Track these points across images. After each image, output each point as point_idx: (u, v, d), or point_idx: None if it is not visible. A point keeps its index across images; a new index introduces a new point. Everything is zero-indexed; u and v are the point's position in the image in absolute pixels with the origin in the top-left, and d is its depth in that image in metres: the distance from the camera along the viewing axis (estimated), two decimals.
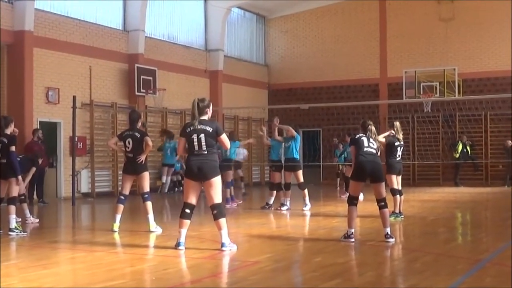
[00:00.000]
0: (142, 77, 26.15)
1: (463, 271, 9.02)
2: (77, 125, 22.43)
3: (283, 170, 19.02)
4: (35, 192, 21.11)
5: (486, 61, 31.45)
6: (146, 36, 27.15)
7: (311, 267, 9.46)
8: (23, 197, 15.42)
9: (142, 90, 26.11)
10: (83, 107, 24.26)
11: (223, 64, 31.63)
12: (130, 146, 13.47)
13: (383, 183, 12.01)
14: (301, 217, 16.90)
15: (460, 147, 30.10)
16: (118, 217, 13.49)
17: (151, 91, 26.41)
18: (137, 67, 26.03)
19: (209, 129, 10.63)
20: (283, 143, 18.87)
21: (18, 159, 13.96)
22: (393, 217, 14.75)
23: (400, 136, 15.65)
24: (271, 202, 18.81)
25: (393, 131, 15.70)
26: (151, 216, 13.40)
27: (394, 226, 13.59)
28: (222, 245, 10.54)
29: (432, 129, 30.56)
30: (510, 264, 9.52)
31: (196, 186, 10.67)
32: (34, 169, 15.71)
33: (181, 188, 24.82)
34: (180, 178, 26.03)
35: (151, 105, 27.03)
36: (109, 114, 25.52)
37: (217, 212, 10.56)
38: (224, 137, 10.81)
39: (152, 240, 12.50)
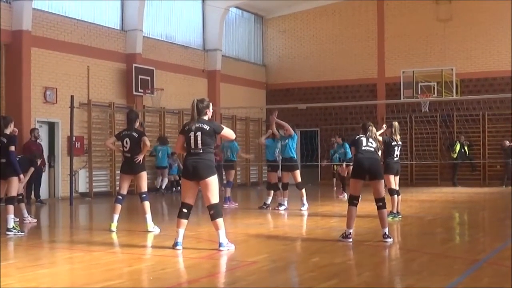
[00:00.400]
0: (140, 77, 26.16)
1: (460, 271, 9.03)
2: (75, 125, 22.42)
3: (279, 170, 19.02)
4: (32, 192, 21.12)
5: (484, 61, 31.48)
6: (144, 36, 27.15)
7: (309, 267, 9.47)
8: (20, 197, 15.41)
9: (140, 90, 26.12)
10: (81, 107, 24.25)
11: (221, 64, 31.64)
12: (128, 146, 13.47)
13: (382, 181, 12.03)
14: (299, 217, 16.90)
15: (458, 147, 30.12)
16: (116, 216, 13.49)
17: (149, 91, 26.42)
18: (135, 67, 26.03)
19: (207, 127, 10.65)
20: (279, 142, 18.85)
21: (17, 159, 13.96)
22: (391, 217, 14.76)
23: (398, 137, 15.66)
24: (268, 202, 18.82)
25: (385, 125, 15.83)
26: (149, 216, 13.41)
27: (392, 226, 13.60)
28: (220, 245, 10.54)
29: (430, 129, 30.59)
30: (507, 264, 9.53)
31: (193, 186, 10.67)
32: (32, 169, 15.71)
33: (179, 188, 24.87)
34: (178, 178, 26.05)
35: (149, 105, 27.03)
36: (107, 114, 25.52)
37: (214, 212, 10.56)
38: (224, 132, 10.84)
39: (149, 240, 12.50)
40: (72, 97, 21.96)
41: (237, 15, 34.53)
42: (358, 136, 12.33)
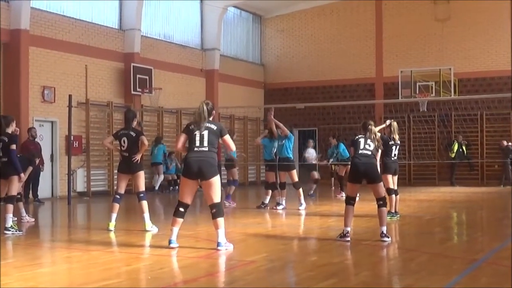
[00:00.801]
0: (138, 76, 26.15)
1: (458, 271, 9.03)
2: (73, 124, 22.44)
3: (277, 170, 19.02)
4: (30, 191, 21.11)
5: (482, 61, 31.50)
6: (142, 35, 27.14)
7: (307, 267, 9.47)
8: (19, 196, 15.39)
9: (138, 89, 26.11)
10: (79, 106, 24.24)
11: (219, 63, 31.64)
12: (126, 145, 13.47)
13: (380, 183, 12.03)
14: (297, 217, 16.90)
15: (455, 146, 30.12)
16: (114, 216, 13.49)
17: (147, 90, 26.41)
18: (133, 66, 26.02)
19: (214, 127, 10.70)
20: (276, 142, 18.86)
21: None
22: (389, 217, 14.74)
23: (397, 137, 15.65)
24: (266, 201, 18.83)
25: (388, 121, 15.82)
26: (146, 215, 13.40)
27: (390, 226, 13.59)
28: (218, 244, 10.53)
29: (428, 129, 30.59)
30: (506, 263, 9.53)
31: (193, 185, 10.67)
32: (30, 168, 15.70)
33: (177, 187, 24.87)
34: (176, 177, 26.06)
35: (147, 104, 27.02)
36: (105, 113, 25.50)
37: (216, 211, 10.55)
38: (228, 138, 10.83)
39: (147, 239, 12.49)
40: (70, 96, 21.96)
41: (235, 14, 34.53)
42: (357, 137, 12.32)
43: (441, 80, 27.67)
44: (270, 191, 18.95)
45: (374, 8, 33.65)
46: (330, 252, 10.73)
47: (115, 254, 11.08)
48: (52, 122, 23.46)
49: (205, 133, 10.58)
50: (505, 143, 29.02)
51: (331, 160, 25.00)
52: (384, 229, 11.69)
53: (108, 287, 8.09)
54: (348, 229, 11.68)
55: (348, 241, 11.54)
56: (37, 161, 17.67)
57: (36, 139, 21.06)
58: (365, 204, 16.70)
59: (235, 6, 33.79)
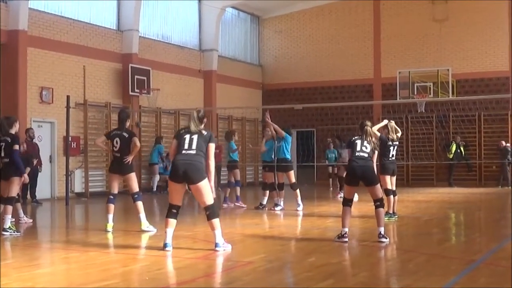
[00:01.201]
0: (136, 77, 26.14)
1: (456, 272, 9.03)
2: (71, 125, 22.42)
3: (275, 170, 19.02)
4: (28, 192, 21.10)
5: (480, 62, 31.51)
6: (140, 36, 27.14)
7: (305, 268, 9.47)
8: (17, 197, 15.39)
9: (136, 90, 26.10)
10: (77, 107, 24.23)
11: (217, 64, 31.63)
12: (118, 145, 13.45)
13: (377, 185, 12.01)
14: (295, 217, 16.90)
15: (453, 147, 30.15)
16: (110, 216, 13.50)
17: (145, 91, 26.41)
18: (131, 67, 26.01)
19: (204, 132, 10.70)
20: (275, 143, 18.90)
21: None
22: (387, 218, 14.73)
23: (395, 136, 15.65)
24: (264, 202, 18.83)
25: (386, 120, 15.83)
26: (142, 215, 13.42)
27: (388, 227, 13.59)
28: (216, 245, 10.53)
29: (426, 130, 30.57)
30: (504, 264, 9.54)
31: (180, 188, 10.63)
32: (28, 169, 15.70)
33: None
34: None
35: (145, 105, 27.02)
36: (103, 114, 25.50)
37: (210, 212, 10.55)
38: (212, 147, 10.70)
39: (145, 240, 12.49)
40: (68, 97, 21.95)
41: (233, 15, 34.53)
42: (353, 138, 12.33)
43: (439, 81, 27.65)
44: (267, 192, 18.95)
45: (372, 8, 33.66)
46: (328, 253, 10.73)
47: (113, 255, 11.08)
48: (50, 123, 23.44)
49: (195, 137, 10.60)
50: (503, 143, 29.03)
51: (329, 160, 25.04)
52: (382, 230, 11.69)
53: (106, 287, 8.09)
54: (346, 230, 11.68)
55: (346, 242, 11.54)
56: (35, 162, 17.67)
57: (34, 140, 21.03)
58: (362, 205, 16.71)
59: (233, 7, 33.80)
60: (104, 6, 26.34)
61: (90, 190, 24.64)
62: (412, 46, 32.59)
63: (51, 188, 23.47)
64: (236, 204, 19.57)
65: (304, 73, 34.52)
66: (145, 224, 13.36)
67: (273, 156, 19.04)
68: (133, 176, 13.63)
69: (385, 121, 15.90)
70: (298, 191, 18.48)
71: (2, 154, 13.36)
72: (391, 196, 15.51)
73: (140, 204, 13.45)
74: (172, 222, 10.70)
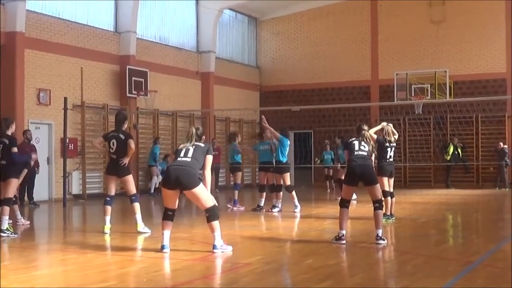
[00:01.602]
0: (133, 78, 26.13)
1: (454, 273, 9.04)
2: (69, 127, 22.41)
3: (269, 172, 19.01)
4: (25, 194, 21.09)
5: (477, 63, 31.53)
6: (137, 38, 27.13)
7: (302, 269, 9.46)
8: (14, 199, 15.38)
9: (133, 92, 26.10)
10: (75, 109, 24.23)
11: (214, 65, 31.64)
12: (114, 147, 13.48)
13: (377, 185, 12.00)
14: (292, 219, 16.90)
15: (451, 149, 30.17)
16: (108, 218, 13.52)
17: (142, 93, 26.40)
18: (128, 68, 26.00)
19: (203, 145, 10.82)
20: (268, 144, 18.97)
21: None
22: (385, 219, 14.72)
23: (392, 138, 15.65)
24: (262, 204, 18.83)
25: (384, 123, 15.82)
26: (138, 216, 13.43)
27: (385, 228, 13.59)
28: (214, 247, 10.54)
29: (424, 131, 30.60)
30: (501, 265, 9.56)
31: (173, 194, 10.61)
32: (26, 171, 15.68)
33: None
34: None
35: (142, 107, 27.01)
36: (100, 115, 25.49)
37: (210, 214, 10.55)
38: (209, 160, 10.75)
39: (143, 241, 12.49)
40: (65, 98, 21.93)
41: (231, 17, 34.54)
42: (351, 140, 12.36)
43: (437, 83, 27.65)
44: (264, 194, 18.97)
45: (369, 10, 33.68)
46: (325, 255, 10.73)
47: (111, 257, 11.06)
48: (47, 125, 23.42)
49: (192, 148, 10.68)
50: (501, 145, 29.06)
51: (325, 161, 25.08)
52: (380, 232, 11.68)
53: None
54: (344, 232, 11.67)
55: (343, 243, 11.54)
56: (32, 163, 17.60)
57: (31, 142, 20.98)
58: (360, 207, 16.72)
59: (230, 9, 33.80)
60: (102, 8, 26.33)
61: (87, 192, 24.62)
62: (410, 47, 32.61)
63: (48, 190, 23.45)
64: (234, 207, 19.55)
65: (302, 75, 34.53)
66: (141, 225, 13.38)
67: (268, 158, 19.06)
68: (130, 178, 13.64)
69: (383, 124, 15.89)
70: (294, 193, 18.51)
71: None
72: (389, 198, 15.52)
73: (137, 205, 13.46)
74: (169, 224, 10.70)
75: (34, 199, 21.28)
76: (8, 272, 9.10)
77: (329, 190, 27.88)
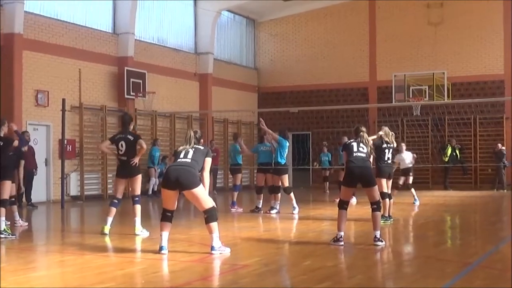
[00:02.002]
0: (131, 80, 26.12)
1: (452, 274, 9.04)
2: (67, 128, 22.41)
3: (268, 174, 19.02)
4: (23, 195, 21.06)
5: (475, 65, 31.55)
6: (135, 39, 27.12)
7: (300, 271, 9.47)
8: (13, 199, 15.39)
9: (131, 93, 26.08)
10: (73, 110, 24.21)
11: (212, 67, 31.63)
12: (123, 149, 13.50)
13: (375, 187, 12.00)
14: (290, 221, 16.91)
15: (449, 150, 30.17)
16: (110, 219, 13.54)
17: (140, 94, 26.39)
18: (126, 70, 25.99)
19: (202, 147, 10.89)
20: (268, 145, 19.00)
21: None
22: (383, 221, 14.71)
23: (389, 139, 15.67)
24: (260, 205, 18.83)
25: (381, 132, 15.78)
26: (138, 219, 13.44)
27: (384, 230, 13.59)
28: (212, 248, 10.54)
29: (422, 133, 30.60)
30: (499, 267, 9.57)
31: (173, 195, 10.64)
32: (22, 162, 15.62)
33: None
34: None
35: (140, 108, 26.98)
36: (98, 117, 25.47)
37: (208, 216, 10.56)
38: (208, 162, 10.81)
39: (141, 243, 12.48)
40: (63, 100, 21.94)
41: (229, 18, 34.54)
42: (349, 141, 12.37)
43: (435, 84, 27.69)
44: (261, 195, 18.98)
45: (367, 12, 33.69)
46: (323, 256, 10.73)
47: (109, 258, 11.06)
48: (45, 126, 23.41)
49: (191, 150, 10.74)
50: (499, 146, 29.08)
51: (323, 163, 25.12)
52: (378, 233, 11.69)
53: None
54: (342, 233, 11.67)
55: (342, 245, 11.54)
56: (22, 162, 17.34)
57: (29, 143, 20.95)
58: (358, 208, 16.73)
59: (228, 10, 33.79)
60: (100, 9, 26.32)
61: (85, 193, 24.60)
62: (408, 49, 32.62)
63: (46, 191, 23.42)
64: (232, 208, 19.55)
65: (300, 76, 34.53)
66: (138, 228, 13.38)
67: (267, 160, 19.07)
68: (139, 178, 13.69)
69: (380, 133, 15.82)
70: (292, 194, 18.51)
71: None
72: (387, 199, 15.53)
73: (138, 207, 13.48)
74: (167, 225, 10.71)
75: (32, 201, 21.25)
76: (6, 274, 9.09)
77: (328, 192, 27.88)
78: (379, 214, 11.93)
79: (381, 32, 33.30)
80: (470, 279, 8.84)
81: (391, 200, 15.82)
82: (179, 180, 10.41)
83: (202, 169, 10.69)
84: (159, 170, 26.33)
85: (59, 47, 23.98)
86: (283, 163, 18.59)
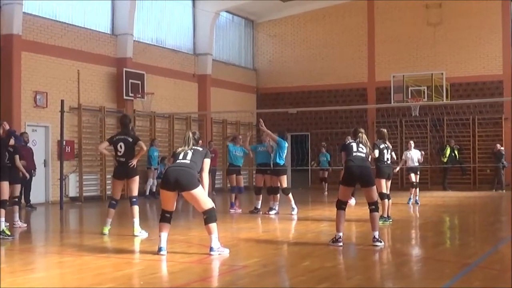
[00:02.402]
0: (130, 81, 26.11)
1: (451, 275, 9.04)
2: (65, 129, 22.40)
3: (267, 175, 19.02)
4: (22, 197, 21.04)
5: (474, 66, 31.55)
6: (134, 40, 27.11)
7: (299, 271, 9.46)
8: (16, 200, 15.40)
9: (130, 94, 26.07)
10: (71, 111, 24.21)
11: (211, 68, 31.63)
12: (122, 150, 13.52)
13: (374, 187, 11.99)
14: (289, 221, 16.91)
15: (448, 151, 30.17)
16: (109, 221, 13.61)
17: (139, 95, 26.38)
18: (125, 71, 25.98)
19: (200, 149, 10.90)
20: (264, 146, 19.01)
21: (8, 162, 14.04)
22: (382, 221, 14.75)
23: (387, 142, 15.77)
24: (259, 206, 18.82)
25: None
26: (136, 220, 13.44)
27: (382, 230, 13.60)
28: (211, 249, 10.53)
29: (420, 134, 30.59)
30: (497, 267, 9.57)
31: (172, 196, 10.63)
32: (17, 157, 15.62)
33: None
34: None
35: (139, 109, 26.96)
36: (97, 118, 25.47)
37: (207, 217, 10.55)
38: (207, 163, 10.83)
39: (140, 244, 12.47)
40: (62, 101, 21.94)
41: (227, 19, 34.54)
42: (348, 142, 12.38)
43: (433, 85, 27.71)
44: (260, 196, 18.97)
45: (366, 13, 33.70)
46: (322, 257, 10.73)
47: (108, 259, 11.03)
48: (44, 127, 23.40)
49: (190, 151, 10.75)
50: (498, 146, 29.09)
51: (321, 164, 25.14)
52: (376, 234, 11.68)
53: None
54: (340, 234, 11.66)
55: (340, 245, 11.54)
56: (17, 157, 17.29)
57: (28, 144, 20.95)
58: (357, 209, 16.72)
59: (227, 11, 33.80)
60: (99, 10, 26.32)
61: (84, 194, 24.60)
62: (406, 50, 32.63)
63: (45, 193, 23.41)
64: (231, 209, 19.55)
65: (299, 77, 34.53)
66: (137, 229, 13.38)
67: (265, 160, 19.07)
68: (137, 179, 13.71)
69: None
70: (290, 195, 18.51)
71: None
72: (386, 200, 15.54)
73: (136, 208, 13.49)
74: (166, 226, 10.70)
75: (31, 202, 21.24)
76: (5, 275, 9.08)
77: (326, 193, 27.90)
78: (377, 214, 11.93)
79: (380, 32, 33.31)
80: (469, 279, 8.84)
81: (390, 201, 15.82)
82: (178, 181, 10.41)
83: (201, 170, 10.70)
84: (158, 171, 26.31)
85: (57, 48, 23.98)
86: (282, 164, 18.58)
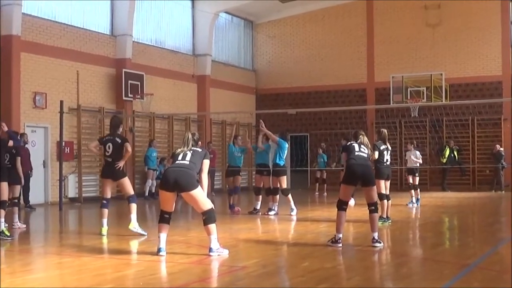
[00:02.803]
0: (129, 82, 26.09)
1: (450, 276, 9.04)
2: (65, 130, 22.39)
3: (265, 175, 19.00)
4: (21, 197, 21.01)
5: (473, 66, 31.55)
6: (133, 41, 27.10)
7: (299, 272, 9.46)
8: (16, 201, 15.39)
9: (129, 95, 26.05)
10: (71, 112, 24.19)
11: (210, 69, 31.62)
12: (110, 151, 13.59)
13: (374, 187, 12.01)
14: (289, 222, 16.90)
15: (447, 152, 30.18)
16: (105, 221, 13.60)
17: (138, 96, 26.36)
18: (124, 72, 25.96)
19: (200, 150, 10.92)
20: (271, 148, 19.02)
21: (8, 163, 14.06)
22: (381, 222, 14.75)
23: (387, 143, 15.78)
24: (258, 207, 18.81)
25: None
26: (134, 215, 13.50)
27: (382, 231, 13.60)
28: (210, 250, 10.53)
29: (420, 134, 30.56)
30: (497, 268, 9.57)
31: (171, 197, 10.64)
32: (19, 158, 15.62)
33: None
34: None
35: (138, 110, 26.95)
36: (96, 119, 25.46)
37: (206, 217, 10.55)
38: (206, 164, 10.85)
39: (139, 245, 12.47)
40: (61, 102, 21.93)
41: (227, 20, 34.53)
42: (350, 143, 12.38)
43: (432, 86, 27.67)
44: (260, 197, 18.96)
45: (365, 13, 33.70)
46: (322, 258, 10.73)
47: (107, 260, 11.05)
48: (43, 128, 23.38)
49: (189, 152, 10.77)
50: (498, 147, 29.11)
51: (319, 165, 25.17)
52: (376, 235, 11.68)
53: None
54: (340, 235, 11.65)
55: (340, 246, 11.54)
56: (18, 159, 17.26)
57: (27, 145, 20.93)
58: (357, 210, 16.70)
59: (226, 12, 33.79)
60: (98, 11, 26.31)
61: (83, 195, 24.58)
62: (405, 50, 32.63)
63: (44, 193, 23.39)
64: (230, 211, 19.54)
65: (298, 78, 34.53)
66: (134, 224, 13.40)
67: (263, 160, 19.07)
68: (125, 181, 13.70)
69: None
70: (290, 196, 18.51)
71: None
72: (385, 201, 15.55)
73: (134, 206, 13.54)
74: (165, 227, 10.71)
75: (30, 203, 21.23)
76: (4, 276, 9.08)
77: (317, 193, 28.00)
78: (376, 215, 11.93)
79: (379, 33, 33.31)
80: (468, 280, 8.84)
81: (389, 202, 15.82)
82: (177, 182, 10.41)
83: (200, 171, 10.71)
84: (157, 171, 26.30)
85: (57, 49, 23.97)
86: (281, 165, 18.59)
